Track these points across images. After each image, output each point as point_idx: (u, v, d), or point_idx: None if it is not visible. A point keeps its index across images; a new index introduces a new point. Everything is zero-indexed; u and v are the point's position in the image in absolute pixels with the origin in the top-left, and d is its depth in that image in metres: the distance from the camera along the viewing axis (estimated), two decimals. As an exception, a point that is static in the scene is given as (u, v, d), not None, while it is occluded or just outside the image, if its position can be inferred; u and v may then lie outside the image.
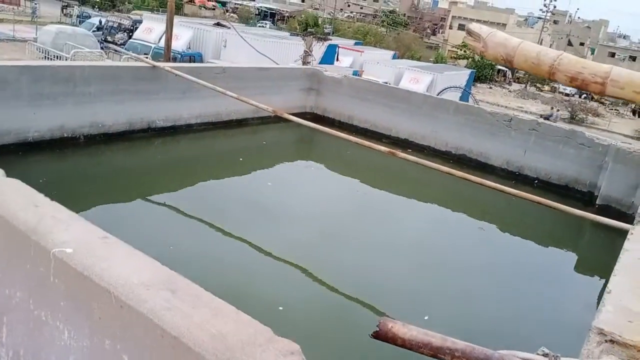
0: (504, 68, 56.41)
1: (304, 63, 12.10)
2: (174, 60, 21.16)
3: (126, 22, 31.07)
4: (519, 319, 4.81)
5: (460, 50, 57.83)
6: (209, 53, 27.92)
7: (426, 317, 4.44)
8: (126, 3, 56.07)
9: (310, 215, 6.32)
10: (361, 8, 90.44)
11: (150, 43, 25.51)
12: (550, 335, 4.52)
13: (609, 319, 2.55)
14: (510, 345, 4.04)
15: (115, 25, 30.71)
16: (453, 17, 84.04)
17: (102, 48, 23.60)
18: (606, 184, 7.74)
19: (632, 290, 2.85)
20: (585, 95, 49.86)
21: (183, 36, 27.03)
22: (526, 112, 37.68)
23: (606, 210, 7.43)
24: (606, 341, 2.48)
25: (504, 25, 70.98)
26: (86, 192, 5.83)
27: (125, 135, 7.34)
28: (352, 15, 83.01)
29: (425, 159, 6.21)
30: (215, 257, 4.98)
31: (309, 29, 41.75)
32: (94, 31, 28.66)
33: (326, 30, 48.16)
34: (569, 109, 44.11)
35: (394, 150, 6.04)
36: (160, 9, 45.86)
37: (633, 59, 71.69)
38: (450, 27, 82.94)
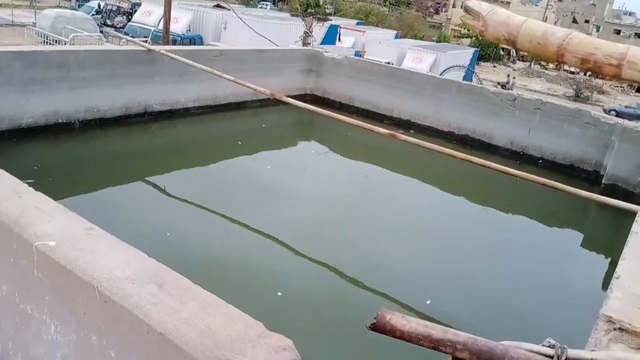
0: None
1: (304, 44, 11.90)
2: (174, 43, 20.95)
3: (125, 5, 30.69)
4: (523, 303, 4.72)
5: (464, 29, 57.12)
6: (209, 35, 27.62)
7: (428, 302, 4.36)
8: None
9: (310, 198, 6.22)
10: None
11: (150, 26, 25.23)
12: (555, 320, 4.43)
13: (618, 306, 2.45)
14: (514, 331, 3.96)
15: (114, 8, 30.37)
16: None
17: (101, 32, 23.33)
18: (612, 163, 7.60)
19: (641, 276, 2.74)
20: (590, 72, 49.34)
21: (182, 18, 26.76)
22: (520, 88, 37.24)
23: (612, 189, 7.31)
24: (615, 329, 2.38)
25: (508, 3, 69.95)
26: (81, 178, 5.74)
27: (122, 120, 7.23)
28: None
29: (428, 139, 6.08)
30: (215, 242, 4.91)
31: (309, 10, 41.22)
32: (93, 15, 28.41)
33: (327, 11, 47.64)
34: (574, 86, 43.68)
35: (395, 133, 5.91)
36: (159, -9, 45.27)
37: (639, 36, 70.71)
38: (454, 6, 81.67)
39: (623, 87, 51.01)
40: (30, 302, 2.33)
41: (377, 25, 45.05)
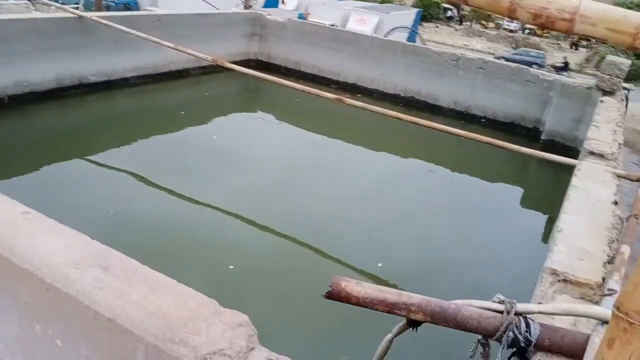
0: (449, 6, 56.09)
1: (245, 7, 11.54)
2: (107, 8, 19.87)
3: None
4: (472, 261, 4.85)
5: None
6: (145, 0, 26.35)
7: (379, 264, 4.43)
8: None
9: (258, 168, 6.13)
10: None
11: (81, -9, 23.78)
12: (503, 276, 4.59)
13: (561, 259, 2.54)
14: (463, 290, 4.09)
15: (40, -28, 28.42)
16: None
17: (27, -1, 21.81)
18: (551, 119, 7.86)
19: (582, 229, 2.85)
20: (528, 30, 50.47)
21: (115, -18, 25.32)
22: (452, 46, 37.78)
23: (551, 145, 7.58)
24: (559, 281, 2.47)
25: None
26: (13, 158, 5.42)
27: (55, 94, 6.85)
28: (294, -45, 79.95)
29: (374, 103, 6.09)
30: (161, 218, 4.77)
31: (249, -29, 39.88)
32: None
33: (268, -28, 46.21)
34: (513, 45, 44.68)
35: (341, 97, 5.86)
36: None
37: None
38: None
39: (559, 44, 52.60)
40: (-34, 293, 2.19)
41: (319, -13, 44.14)
